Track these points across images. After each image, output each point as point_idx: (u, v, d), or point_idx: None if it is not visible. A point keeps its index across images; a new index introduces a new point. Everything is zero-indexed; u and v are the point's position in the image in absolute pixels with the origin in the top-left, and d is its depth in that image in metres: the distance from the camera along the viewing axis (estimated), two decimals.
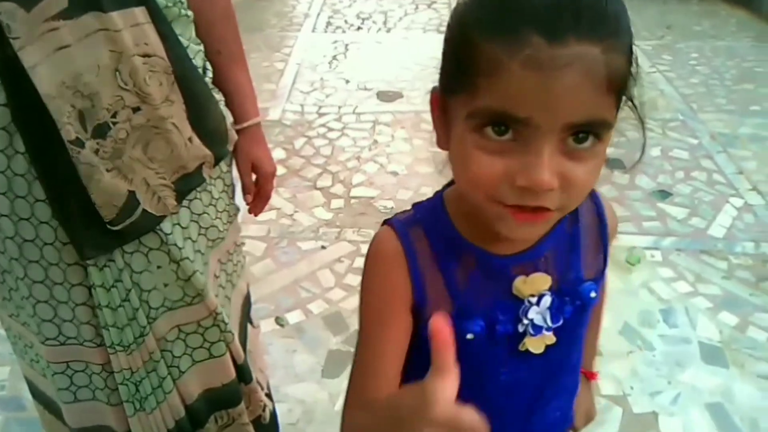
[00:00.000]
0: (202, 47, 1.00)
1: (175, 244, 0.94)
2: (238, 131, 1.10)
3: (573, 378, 0.80)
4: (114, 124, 0.84)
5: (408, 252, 0.67)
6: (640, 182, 2.68)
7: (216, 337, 1.06)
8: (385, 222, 0.71)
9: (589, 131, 0.54)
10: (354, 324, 1.90)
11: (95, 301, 0.93)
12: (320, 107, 3.35)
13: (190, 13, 0.95)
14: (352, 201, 2.59)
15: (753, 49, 4.07)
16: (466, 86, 0.55)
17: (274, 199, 2.52)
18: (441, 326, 0.46)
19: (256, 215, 1.26)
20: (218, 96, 1.05)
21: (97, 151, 0.83)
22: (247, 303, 1.24)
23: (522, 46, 0.51)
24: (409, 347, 0.70)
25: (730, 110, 3.31)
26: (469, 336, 0.67)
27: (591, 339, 0.88)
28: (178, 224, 0.95)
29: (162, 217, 0.92)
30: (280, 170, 2.74)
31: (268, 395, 1.31)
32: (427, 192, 0.73)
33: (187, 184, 0.94)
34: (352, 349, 0.72)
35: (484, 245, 0.67)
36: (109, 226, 0.87)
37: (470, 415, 0.46)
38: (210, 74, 1.03)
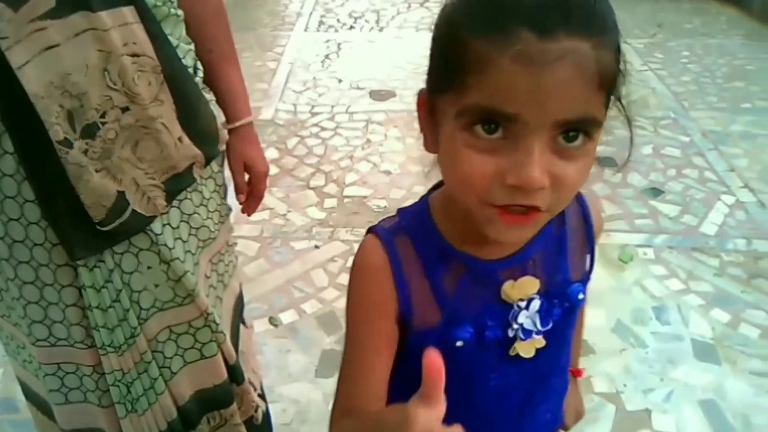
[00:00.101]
0: (192, 46, 1.00)
1: (165, 245, 0.94)
2: (230, 131, 1.10)
3: (562, 379, 0.80)
4: (103, 124, 0.83)
5: (393, 262, 0.66)
6: (632, 180, 2.69)
7: (207, 338, 1.05)
8: (370, 230, 0.70)
9: (579, 129, 0.54)
10: None
11: (85, 302, 0.93)
12: (313, 106, 3.34)
13: (180, 12, 0.95)
14: (345, 200, 2.58)
15: (743, 47, 4.09)
16: (455, 84, 0.55)
17: (267, 199, 2.52)
18: (434, 360, 0.46)
19: (249, 215, 1.25)
20: (210, 95, 1.05)
21: (86, 152, 0.82)
22: (239, 303, 1.24)
23: (512, 41, 0.51)
24: (396, 355, 0.70)
25: (721, 108, 3.32)
26: (459, 343, 0.67)
27: (576, 337, 0.88)
28: (168, 224, 0.95)
29: (152, 218, 0.91)
30: (273, 170, 2.74)
31: (261, 396, 1.31)
32: (420, 191, 0.72)
33: (177, 185, 0.94)
34: None
35: (472, 251, 0.66)
36: (98, 227, 0.86)
37: None
38: (201, 74, 1.03)
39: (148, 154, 0.88)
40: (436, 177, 0.65)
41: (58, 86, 0.79)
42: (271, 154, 2.88)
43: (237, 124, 1.12)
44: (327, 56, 3.98)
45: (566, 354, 0.78)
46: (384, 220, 0.71)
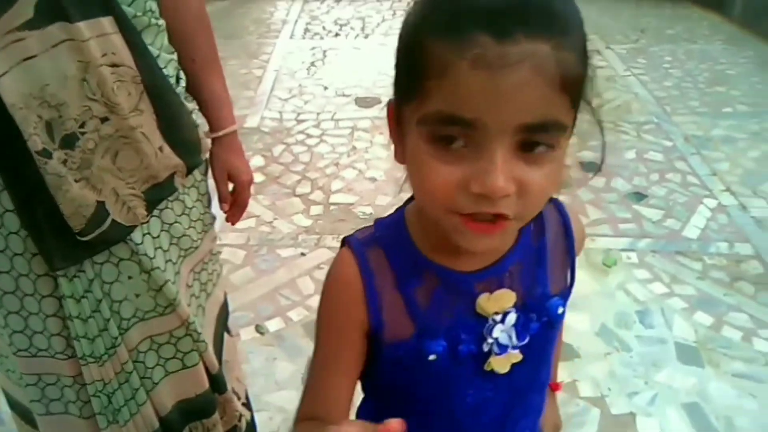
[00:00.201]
0: (175, 56, 0.99)
1: (146, 254, 0.94)
2: (213, 140, 1.10)
3: (541, 396, 0.78)
4: (82, 134, 0.83)
5: (365, 275, 0.66)
6: (616, 185, 2.71)
7: (189, 347, 1.05)
8: (345, 241, 0.69)
9: (543, 132, 0.52)
10: None
11: (66, 312, 0.92)
12: (299, 114, 3.35)
13: (161, 21, 0.94)
14: (331, 207, 2.59)
15: (725, 51, 4.15)
16: (417, 92, 0.54)
17: (253, 207, 2.52)
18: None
19: (233, 224, 1.25)
20: (193, 104, 1.05)
21: (65, 162, 0.82)
22: (223, 312, 1.24)
23: (470, 45, 0.49)
24: (370, 366, 0.70)
25: (703, 112, 3.36)
26: (432, 357, 0.65)
27: (556, 351, 0.86)
28: (149, 234, 0.95)
29: (132, 227, 0.91)
30: (259, 177, 2.74)
31: (246, 405, 1.30)
32: (406, 198, 0.71)
33: (157, 194, 0.94)
34: None
35: (446, 262, 0.65)
36: (78, 237, 0.86)
37: None
38: (183, 83, 1.03)
39: (128, 164, 0.88)
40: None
41: (37, 97, 0.79)
42: (257, 161, 2.88)
43: (220, 133, 1.11)
44: (313, 63, 3.99)
45: (546, 370, 0.76)
46: (359, 230, 0.70)
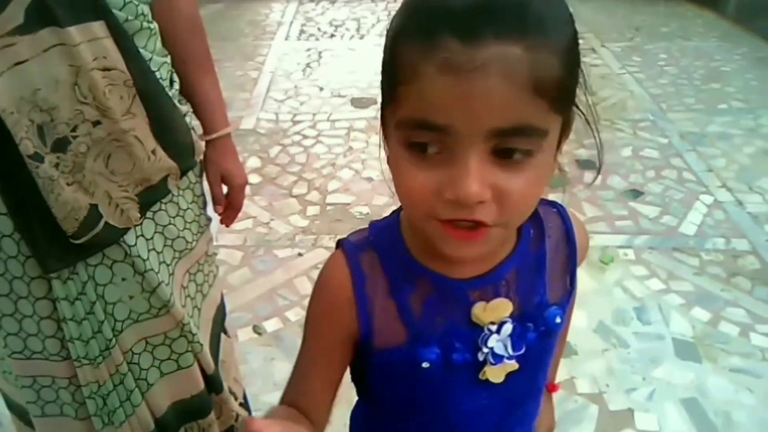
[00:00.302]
0: (168, 59, 1.00)
1: (139, 256, 0.94)
2: (207, 142, 1.10)
3: (538, 401, 0.77)
4: (74, 138, 0.83)
5: (356, 280, 0.65)
6: (612, 182, 2.72)
7: (183, 348, 1.05)
8: (339, 243, 0.68)
9: (518, 137, 0.50)
10: None
11: (60, 314, 0.93)
12: (295, 115, 3.35)
13: (153, 25, 0.95)
14: (328, 208, 2.59)
15: (719, 48, 4.15)
16: (393, 97, 0.54)
17: (250, 208, 2.52)
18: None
19: (227, 226, 1.25)
20: (186, 107, 1.05)
21: (57, 165, 0.83)
22: (220, 313, 1.24)
23: (437, 49, 0.48)
24: (361, 371, 0.70)
25: (698, 109, 3.36)
26: (425, 364, 0.64)
27: (556, 354, 0.84)
28: (142, 236, 0.95)
29: (125, 230, 0.91)
30: (256, 179, 2.75)
31: (243, 405, 1.31)
32: None
33: (151, 196, 0.94)
34: None
35: (441, 269, 0.64)
36: (71, 240, 0.86)
37: None
38: (177, 86, 1.03)
39: (121, 167, 0.89)
40: None
41: (28, 101, 0.79)
42: (253, 163, 2.88)
43: (214, 135, 1.12)
44: (308, 65, 3.99)
45: (543, 377, 0.74)
46: (354, 233, 0.69)
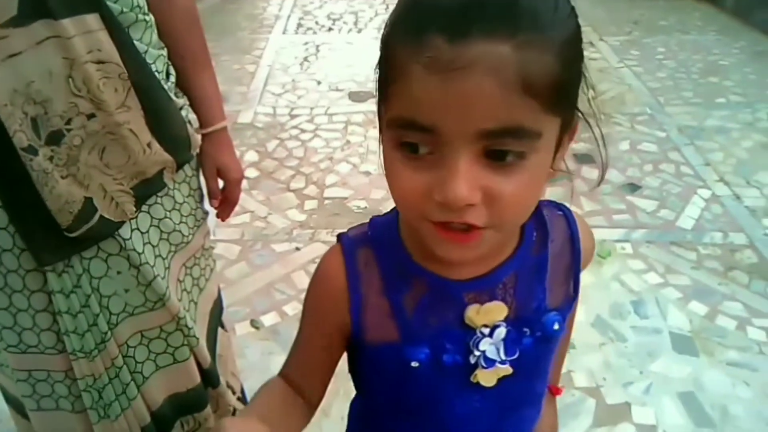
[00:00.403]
0: (164, 51, 0.99)
1: (134, 250, 0.94)
2: (203, 136, 1.10)
3: (536, 409, 0.76)
4: (68, 131, 0.83)
5: (350, 276, 0.65)
6: (610, 176, 2.71)
7: (179, 342, 1.05)
8: (340, 237, 0.68)
9: (509, 139, 0.49)
10: None
11: (55, 307, 0.92)
12: (292, 109, 3.34)
13: (149, 17, 0.94)
14: (326, 202, 2.59)
15: (717, 42, 4.14)
16: (384, 95, 0.53)
17: (248, 202, 2.52)
18: None
19: (223, 220, 1.25)
20: (182, 100, 1.05)
21: (51, 158, 0.82)
22: (217, 307, 1.24)
23: (424, 47, 0.47)
24: (354, 366, 0.72)
25: (696, 103, 3.36)
26: (414, 364, 0.63)
27: (560, 357, 0.85)
28: (137, 229, 0.95)
29: (120, 223, 0.91)
30: (253, 173, 2.74)
31: (241, 399, 1.31)
32: None
33: (146, 190, 0.94)
34: None
35: (437, 269, 0.63)
36: (65, 233, 0.86)
37: None
38: (173, 78, 1.02)
39: (116, 160, 0.88)
40: None
41: (22, 93, 0.79)
42: (250, 157, 2.87)
43: (210, 129, 1.11)
44: (306, 58, 3.98)
45: (542, 383, 0.73)
46: (355, 227, 0.69)
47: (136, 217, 0.94)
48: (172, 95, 0.99)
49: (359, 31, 4.45)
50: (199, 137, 1.07)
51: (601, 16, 4.46)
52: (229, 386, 1.22)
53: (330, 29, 4.49)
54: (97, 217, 0.88)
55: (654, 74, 3.70)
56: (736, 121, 3.17)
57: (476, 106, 0.47)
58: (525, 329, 0.65)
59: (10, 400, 1.13)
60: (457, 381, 0.65)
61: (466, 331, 0.63)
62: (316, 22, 4.61)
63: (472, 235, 0.53)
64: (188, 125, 1.03)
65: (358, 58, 3.94)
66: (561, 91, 0.50)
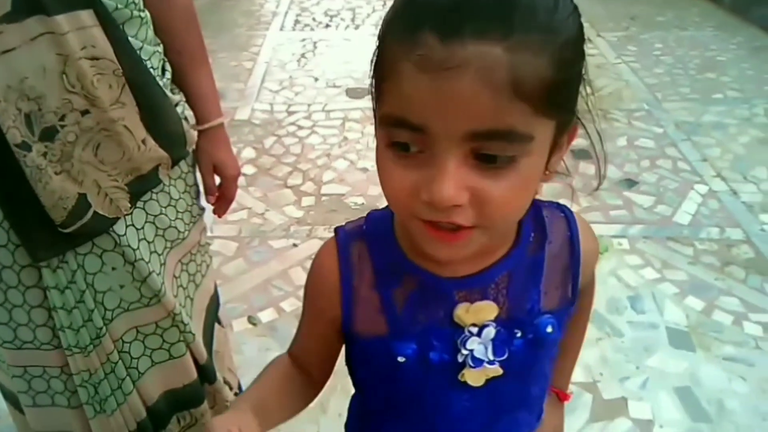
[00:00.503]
0: (159, 48, 0.99)
1: (129, 246, 0.94)
2: (199, 132, 1.10)
3: (533, 412, 0.75)
4: (62, 127, 0.83)
5: (343, 270, 0.65)
6: (607, 172, 2.71)
7: (175, 338, 1.05)
8: (337, 230, 0.68)
9: (498, 141, 0.48)
10: None
11: (50, 303, 0.93)
12: (289, 105, 3.34)
13: (144, 14, 0.94)
14: (323, 198, 2.58)
15: (715, 38, 4.14)
16: (377, 93, 0.53)
17: (245, 199, 2.52)
18: None
19: (219, 217, 1.25)
20: (178, 96, 1.05)
21: (45, 155, 0.82)
22: (213, 303, 1.24)
23: (416, 46, 0.47)
24: (349, 360, 0.73)
25: (693, 99, 3.36)
26: (401, 359, 0.64)
27: (569, 362, 0.85)
28: (132, 225, 0.95)
29: (115, 219, 0.91)
30: (251, 169, 2.74)
31: (237, 395, 1.31)
32: None
33: (141, 186, 0.94)
34: None
35: (430, 265, 0.63)
36: (59, 229, 0.86)
37: None
38: (169, 75, 1.02)
39: (110, 157, 0.88)
40: None
41: (15, 89, 0.79)
42: (248, 153, 2.87)
43: (206, 125, 1.11)
44: (303, 55, 3.97)
45: (539, 387, 0.72)
46: (352, 221, 0.69)
47: (131, 213, 0.94)
48: (167, 92, 0.99)
49: (356, 27, 4.44)
50: (194, 133, 1.07)
51: (598, 11, 4.45)
52: (226, 382, 1.22)
53: (327, 26, 4.48)
54: (90, 213, 0.88)
55: (651, 70, 3.69)
56: (734, 116, 3.17)
57: (465, 108, 0.46)
58: (516, 330, 0.64)
59: (8, 396, 1.13)
60: (445, 379, 0.65)
61: (454, 329, 0.63)
62: (314, 19, 4.61)
63: (460, 235, 0.53)
64: (184, 122, 1.03)
65: (356, 54, 3.94)
66: (556, 94, 0.49)
